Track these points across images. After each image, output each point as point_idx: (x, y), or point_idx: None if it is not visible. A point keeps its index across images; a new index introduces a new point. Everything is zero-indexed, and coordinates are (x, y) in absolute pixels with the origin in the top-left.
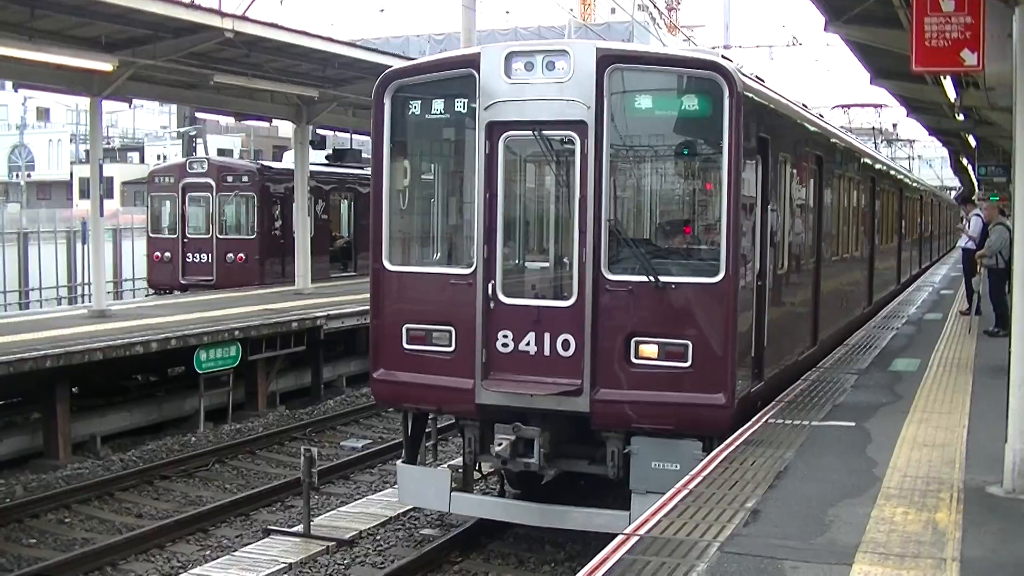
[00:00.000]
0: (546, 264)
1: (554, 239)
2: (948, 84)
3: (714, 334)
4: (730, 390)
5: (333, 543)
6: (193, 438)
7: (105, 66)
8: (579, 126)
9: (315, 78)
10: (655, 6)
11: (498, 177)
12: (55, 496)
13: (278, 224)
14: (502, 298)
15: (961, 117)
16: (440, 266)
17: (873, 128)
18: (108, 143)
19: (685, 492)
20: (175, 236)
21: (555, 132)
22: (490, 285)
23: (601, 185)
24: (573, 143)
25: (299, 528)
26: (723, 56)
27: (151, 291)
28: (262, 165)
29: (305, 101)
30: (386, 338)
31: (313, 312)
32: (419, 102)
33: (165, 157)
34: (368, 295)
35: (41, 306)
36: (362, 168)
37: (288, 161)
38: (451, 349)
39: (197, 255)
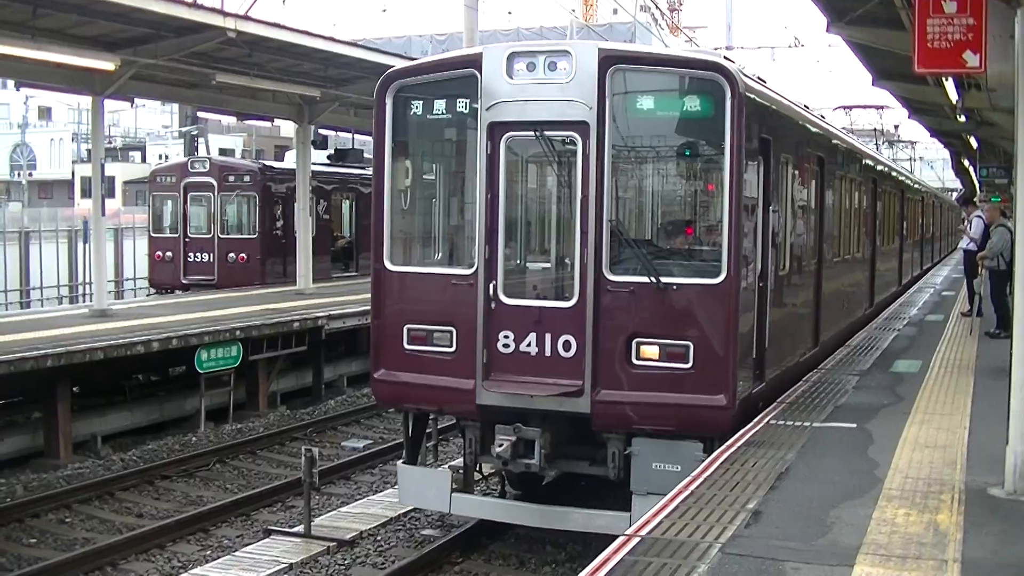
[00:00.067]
0: (547, 265)
1: (555, 240)
2: (950, 85)
3: (715, 335)
4: (731, 391)
5: (334, 543)
6: (194, 438)
7: (107, 65)
8: (581, 126)
9: (317, 78)
10: (657, 7)
11: (500, 177)
12: (55, 496)
13: (280, 224)
14: (503, 298)
15: (963, 118)
16: (441, 266)
17: (875, 129)
18: (110, 142)
19: (686, 493)
20: (177, 236)
21: (557, 132)
22: (491, 285)
23: (603, 186)
24: (575, 143)
25: (300, 528)
26: (725, 57)
27: (152, 291)
28: (264, 165)
29: (307, 101)
30: (387, 338)
31: (314, 312)
32: (421, 102)
33: (167, 156)
34: (369, 295)
35: (42, 305)
36: (364, 168)
37: (290, 161)
38: (452, 349)
39: (198, 255)
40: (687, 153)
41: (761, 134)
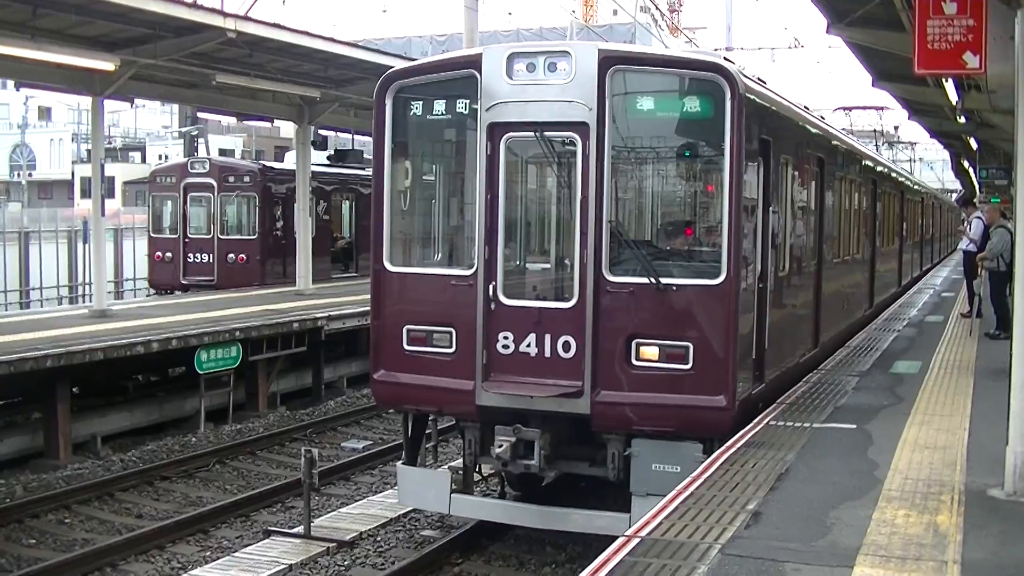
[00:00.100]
0: (547, 265)
1: (555, 240)
2: (950, 87)
3: (715, 336)
4: (731, 392)
5: (333, 544)
6: (193, 438)
7: (107, 65)
8: (581, 127)
9: (317, 78)
10: (657, 8)
11: (499, 178)
12: (55, 496)
13: (279, 224)
14: (503, 299)
15: (963, 120)
16: (441, 267)
17: (875, 130)
18: (110, 142)
19: (686, 494)
20: (176, 236)
21: (557, 133)
22: (491, 286)
23: (602, 186)
24: (575, 144)
25: (299, 529)
26: (725, 58)
27: (152, 291)
28: (264, 165)
29: (307, 101)
30: (387, 339)
31: (314, 313)
32: (420, 103)
33: (167, 157)
34: (369, 296)
35: (42, 306)
36: (363, 169)
37: (290, 161)
38: (452, 350)
39: (198, 255)
40: (687, 154)
41: (761, 135)
